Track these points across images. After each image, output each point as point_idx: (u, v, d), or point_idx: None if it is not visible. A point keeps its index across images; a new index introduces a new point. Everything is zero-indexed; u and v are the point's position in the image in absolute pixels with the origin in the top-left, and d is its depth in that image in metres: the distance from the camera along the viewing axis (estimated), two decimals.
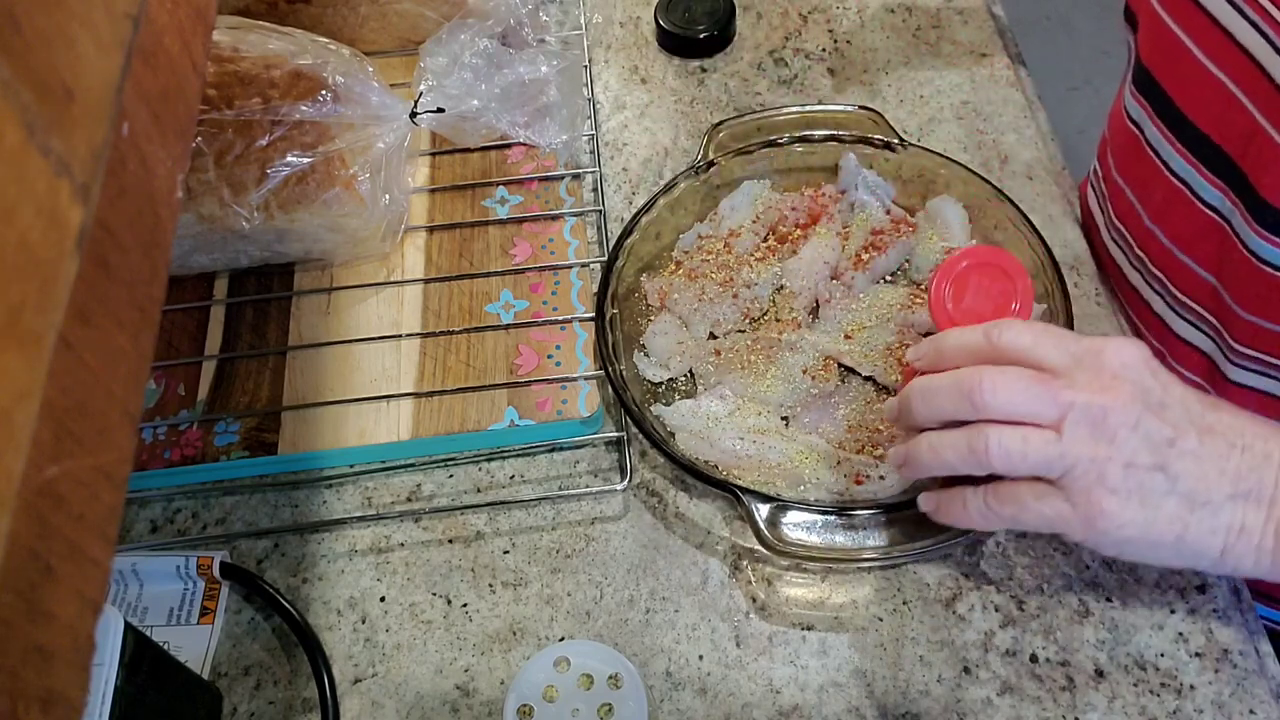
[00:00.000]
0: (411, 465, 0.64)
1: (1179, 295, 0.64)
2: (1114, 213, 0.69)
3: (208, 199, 0.64)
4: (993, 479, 0.48)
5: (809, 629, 0.57)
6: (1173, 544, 0.45)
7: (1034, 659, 0.56)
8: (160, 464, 0.63)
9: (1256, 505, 0.45)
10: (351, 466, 0.64)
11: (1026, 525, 0.47)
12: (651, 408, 0.63)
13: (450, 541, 0.62)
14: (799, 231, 0.70)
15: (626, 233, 0.67)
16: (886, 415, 0.53)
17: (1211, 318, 0.63)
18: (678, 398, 0.65)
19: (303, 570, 0.61)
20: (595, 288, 0.67)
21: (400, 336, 0.68)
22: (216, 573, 0.59)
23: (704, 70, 0.83)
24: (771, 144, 0.71)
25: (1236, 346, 0.61)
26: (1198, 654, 0.55)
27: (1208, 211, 0.60)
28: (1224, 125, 0.57)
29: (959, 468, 0.47)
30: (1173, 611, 0.56)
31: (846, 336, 0.65)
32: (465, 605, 0.59)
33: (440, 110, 0.67)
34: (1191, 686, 0.54)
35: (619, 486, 0.62)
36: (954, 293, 0.55)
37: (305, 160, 0.64)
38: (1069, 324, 0.60)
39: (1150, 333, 0.68)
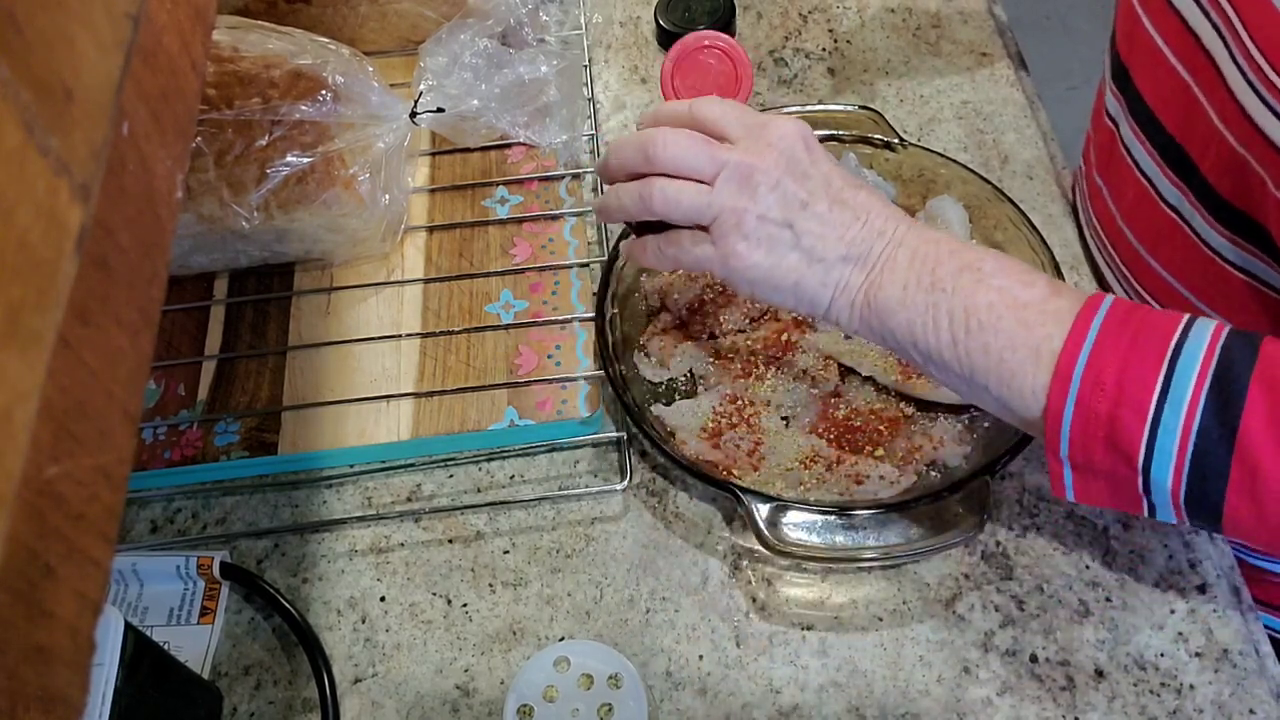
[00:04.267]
0: (411, 465, 0.64)
1: (1145, 295, 0.65)
2: (1092, 211, 0.70)
3: (208, 199, 0.64)
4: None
5: (809, 629, 0.57)
6: (791, 289, 0.52)
7: (1034, 659, 0.56)
8: (160, 464, 0.63)
9: (860, 268, 0.51)
10: (351, 466, 0.64)
11: (684, 265, 0.55)
12: (651, 408, 0.63)
13: (450, 541, 0.62)
14: None
15: (626, 233, 0.67)
16: (596, 168, 0.62)
17: None
18: (678, 398, 0.64)
19: (303, 570, 0.61)
20: (595, 288, 0.67)
21: (400, 336, 0.67)
22: (216, 573, 0.59)
23: None
24: None
25: None
26: (1198, 654, 0.55)
27: (1169, 212, 0.60)
28: (1186, 127, 0.57)
29: (632, 212, 0.54)
30: (1173, 611, 0.56)
31: (846, 336, 0.65)
32: (465, 605, 0.59)
33: (440, 110, 0.67)
34: (1191, 686, 0.54)
35: (619, 486, 0.62)
36: (682, 70, 0.64)
37: (305, 160, 0.64)
38: None
39: None
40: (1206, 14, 0.54)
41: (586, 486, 0.63)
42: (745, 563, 0.60)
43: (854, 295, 0.51)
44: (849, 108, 0.72)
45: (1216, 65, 0.53)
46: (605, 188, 0.59)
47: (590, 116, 0.79)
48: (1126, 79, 0.63)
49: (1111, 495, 0.48)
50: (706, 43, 0.63)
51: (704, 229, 0.53)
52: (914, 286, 0.50)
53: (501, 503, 0.63)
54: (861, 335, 0.53)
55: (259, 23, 0.69)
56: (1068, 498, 0.49)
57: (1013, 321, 0.48)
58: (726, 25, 0.82)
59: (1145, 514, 0.49)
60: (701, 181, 0.52)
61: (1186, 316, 0.47)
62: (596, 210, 0.59)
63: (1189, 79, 0.56)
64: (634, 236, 0.59)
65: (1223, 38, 0.52)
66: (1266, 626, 0.57)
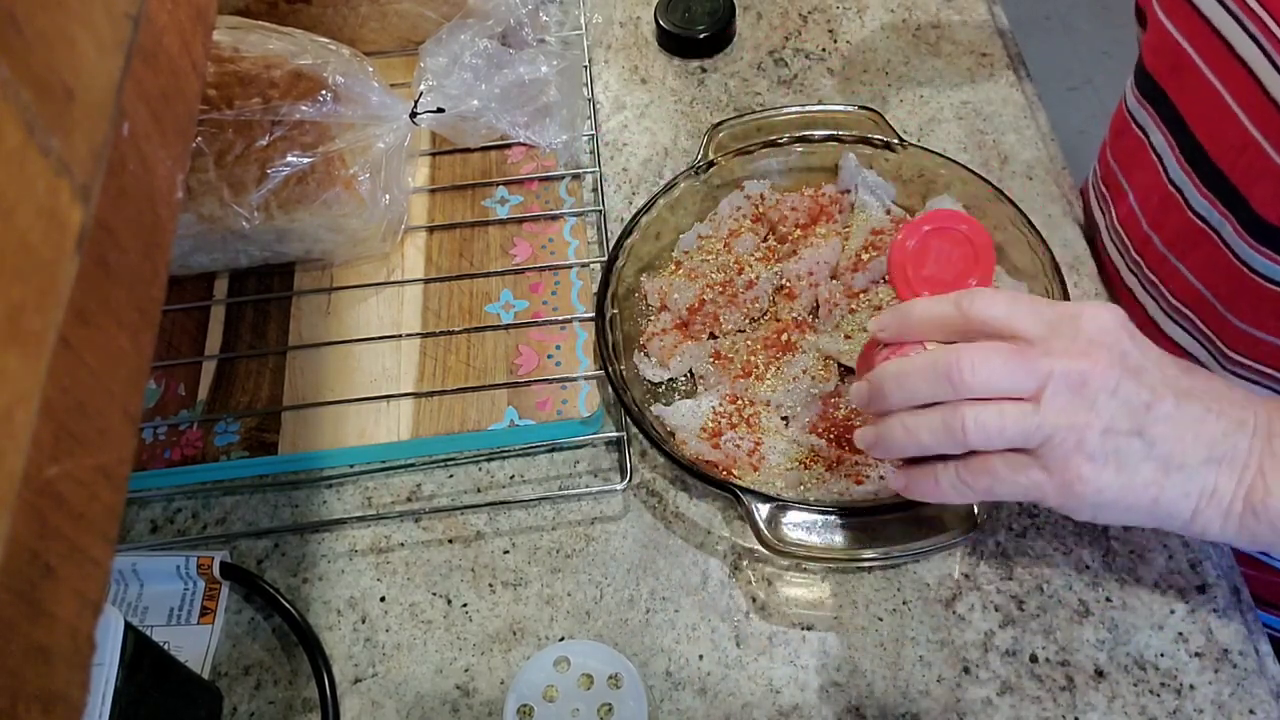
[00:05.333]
0: (411, 465, 0.64)
1: (1172, 300, 0.64)
2: (1116, 215, 0.69)
3: (208, 199, 0.64)
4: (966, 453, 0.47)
5: (809, 629, 0.57)
6: (1147, 507, 0.45)
7: (1034, 659, 0.56)
8: (160, 464, 0.63)
9: (1230, 470, 0.44)
10: (351, 466, 0.64)
11: (1001, 496, 0.47)
12: (651, 408, 0.63)
13: (450, 541, 0.62)
14: (799, 231, 0.70)
15: (626, 233, 0.67)
16: (854, 400, 0.51)
17: (1203, 325, 0.63)
18: (678, 398, 0.65)
19: (303, 570, 0.61)
20: (595, 288, 0.67)
21: (400, 336, 0.68)
22: (216, 573, 0.59)
23: (704, 70, 0.83)
24: (771, 144, 0.71)
25: (1230, 354, 0.61)
26: (1198, 654, 0.55)
27: (1196, 221, 0.60)
28: (1217, 136, 0.57)
29: (934, 448, 0.46)
30: (1172, 611, 0.56)
31: (846, 337, 0.65)
32: (465, 605, 0.59)
33: (440, 110, 0.67)
34: (1191, 686, 0.54)
35: (619, 486, 0.62)
36: (915, 260, 0.53)
37: (305, 160, 0.64)
38: None
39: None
40: (1240, 22, 0.53)
41: (586, 486, 0.63)
42: (745, 563, 0.60)
43: (1226, 503, 0.45)
44: (849, 108, 0.72)
45: (1255, 75, 0.53)
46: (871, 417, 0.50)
47: (590, 116, 0.79)
48: (1155, 88, 0.62)
49: None
50: (933, 225, 0.52)
51: (1023, 451, 0.45)
52: None
53: (501, 503, 0.63)
54: (1235, 544, 0.46)
55: (259, 23, 0.69)
56: None
57: None
58: (727, 25, 0.82)
59: None
60: (1018, 398, 0.44)
61: None
62: (868, 445, 0.50)
63: (1221, 89, 0.56)
64: (900, 468, 0.50)
65: (1261, 46, 0.52)
66: (1267, 626, 0.57)
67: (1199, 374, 0.46)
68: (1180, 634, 0.56)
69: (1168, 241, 0.64)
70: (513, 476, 0.64)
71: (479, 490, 0.64)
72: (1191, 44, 0.58)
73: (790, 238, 0.69)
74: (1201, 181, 0.59)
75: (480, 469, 0.64)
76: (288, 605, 0.58)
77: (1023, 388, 0.44)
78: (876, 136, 0.70)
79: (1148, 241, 0.65)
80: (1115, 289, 0.70)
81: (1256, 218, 0.55)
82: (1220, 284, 0.60)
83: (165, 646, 0.55)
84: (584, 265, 0.70)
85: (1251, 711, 0.53)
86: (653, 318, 0.67)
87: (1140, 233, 0.66)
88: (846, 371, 0.64)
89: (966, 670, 0.55)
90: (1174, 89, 0.61)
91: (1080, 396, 0.43)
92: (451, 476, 0.64)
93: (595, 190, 0.75)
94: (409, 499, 0.63)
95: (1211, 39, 0.55)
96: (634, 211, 0.69)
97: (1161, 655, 0.55)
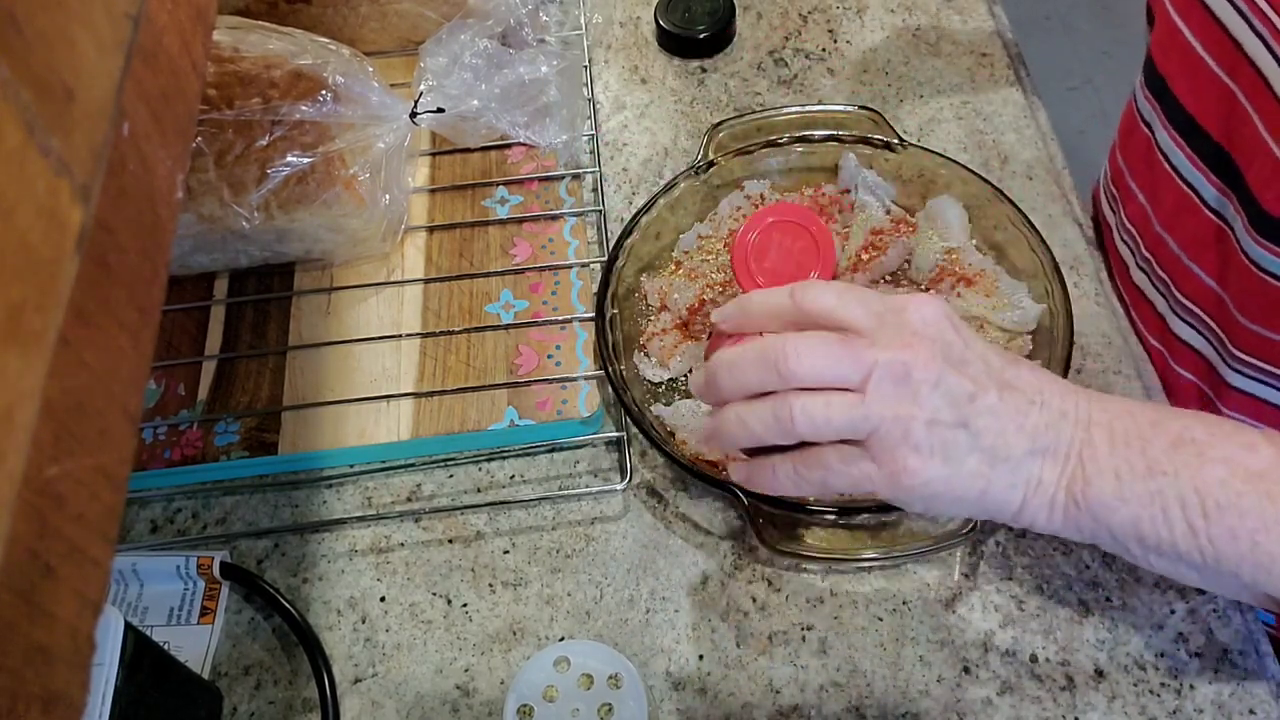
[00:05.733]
0: (411, 465, 0.64)
1: (1182, 299, 0.64)
2: (1126, 215, 0.69)
3: (208, 199, 0.64)
4: (802, 445, 0.47)
5: (809, 629, 0.57)
6: (976, 499, 0.45)
7: (1034, 659, 0.56)
8: (160, 464, 0.63)
9: (1053, 460, 0.45)
10: (351, 466, 0.64)
11: (835, 488, 0.47)
12: (651, 408, 0.63)
13: (450, 541, 0.62)
14: None
15: (626, 233, 0.67)
16: (693, 389, 0.51)
17: (1213, 323, 0.63)
18: (678, 398, 0.65)
19: (303, 570, 0.61)
20: (595, 288, 0.67)
21: (400, 336, 0.68)
22: (216, 573, 0.59)
23: (704, 70, 0.83)
24: (771, 144, 0.71)
25: (1237, 353, 0.61)
26: (1198, 654, 0.55)
27: (1213, 217, 0.60)
28: (1233, 133, 0.57)
29: (766, 438, 0.47)
30: (1173, 611, 0.56)
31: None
32: (465, 605, 0.59)
33: (440, 110, 0.67)
34: (1191, 686, 0.54)
35: (619, 486, 0.62)
36: (757, 253, 0.56)
37: (305, 160, 0.64)
38: (1069, 324, 0.60)
39: (1150, 332, 0.68)
40: (1249, 22, 0.53)
41: (586, 486, 0.63)
42: (745, 563, 0.60)
43: (1052, 493, 0.45)
44: (849, 108, 0.72)
45: (1263, 75, 0.53)
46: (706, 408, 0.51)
47: (590, 116, 0.79)
48: (1164, 87, 0.62)
49: None
50: (774, 218, 0.56)
51: (853, 443, 0.46)
52: (1128, 475, 0.44)
53: (501, 503, 0.63)
54: (1063, 535, 0.47)
55: (259, 23, 0.69)
56: None
57: (1255, 497, 0.42)
58: (727, 25, 0.82)
59: None
60: (845, 389, 0.45)
61: None
62: (706, 438, 0.51)
63: (1234, 87, 0.56)
64: (742, 460, 0.51)
65: (1269, 48, 0.52)
66: (1267, 626, 0.57)
67: (1023, 365, 0.47)
68: (1180, 634, 0.56)
69: (1182, 242, 0.63)
70: (513, 476, 0.64)
71: (479, 490, 0.64)
72: (1200, 41, 0.58)
73: None
74: (1218, 176, 0.59)
75: (480, 469, 0.64)
76: (288, 605, 0.58)
77: (848, 378, 0.45)
78: (876, 136, 0.70)
79: (1160, 242, 0.65)
80: (1123, 285, 0.70)
81: (1264, 214, 0.55)
82: (1232, 282, 0.60)
83: (165, 646, 0.55)
84: (584, 265, 0.70)
85: (1251, 711, 0.53)
86: (653, 318, 0.67)
87: (1152, 233, 0.66)
88: None
89: (966, 670, 0.56)
90: (1181, 87, 0.61)
91: (904, 388, 0.44)
92: (451, 476, 0.64)
93: (595, 190, 0.75)
94: (409, 499, 0.63)
95: (1219, 36, 0.56)
96: (634, 211, 0.69)
97: (1161, 655, 0.55)
